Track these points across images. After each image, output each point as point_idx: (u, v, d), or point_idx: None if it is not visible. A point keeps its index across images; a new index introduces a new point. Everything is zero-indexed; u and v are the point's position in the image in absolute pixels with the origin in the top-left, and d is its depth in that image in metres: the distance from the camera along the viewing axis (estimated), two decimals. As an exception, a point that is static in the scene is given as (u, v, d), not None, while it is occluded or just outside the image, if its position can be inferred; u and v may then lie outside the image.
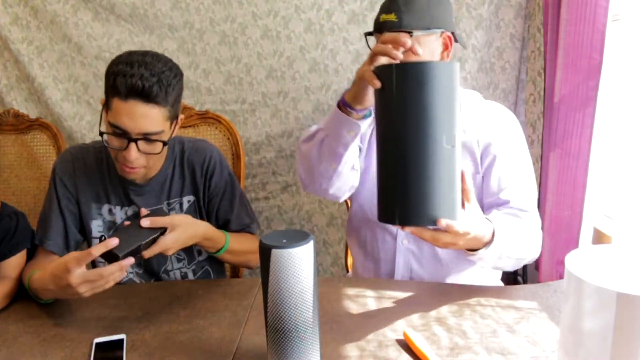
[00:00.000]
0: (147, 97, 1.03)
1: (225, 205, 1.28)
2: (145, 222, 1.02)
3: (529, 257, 1.08)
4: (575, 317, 0.61)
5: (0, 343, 0.96)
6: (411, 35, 1.11)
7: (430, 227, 0.83)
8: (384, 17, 1.14)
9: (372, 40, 1.21)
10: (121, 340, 0.92)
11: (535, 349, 0.84)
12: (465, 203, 0.88)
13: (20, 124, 1.82)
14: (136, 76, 1.02)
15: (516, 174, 1.16)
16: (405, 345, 0.86)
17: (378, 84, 0.82)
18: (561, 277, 1.44)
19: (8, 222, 1.15)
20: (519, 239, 1.04)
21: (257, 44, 1.85)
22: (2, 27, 1.93)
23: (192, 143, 1.29)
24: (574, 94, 1.38)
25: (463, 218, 0.83)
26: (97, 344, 0.91)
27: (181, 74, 1.12)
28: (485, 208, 1.16)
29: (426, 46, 1.14)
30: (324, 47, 1.82)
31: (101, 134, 1.10)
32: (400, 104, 0.78)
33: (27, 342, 0.96)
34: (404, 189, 0.79)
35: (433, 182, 0.78)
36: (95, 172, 1.24)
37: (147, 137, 1.07)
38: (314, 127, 1.15)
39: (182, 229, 1.07)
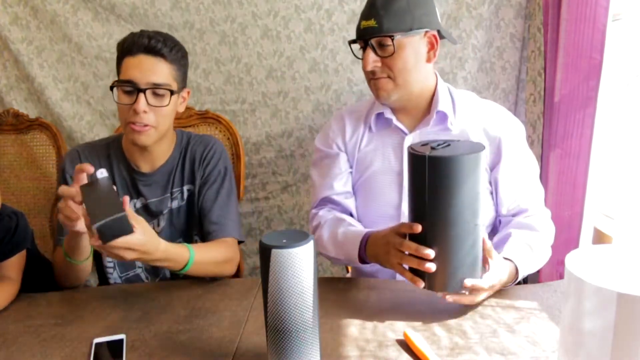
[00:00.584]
0: (152, 50, 1.14)
1: (210, 194, 1.27)
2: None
3: (546, 261, 1.15)
4: (575, 317, 0.61)
5: (0, 343, 0.96)
6: (392, 39, 1.11)
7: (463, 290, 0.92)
8: (364, 23, 1.15)
9: (356, 47, 1.22)
10: (121, 340, 0.92)
11: (535, 349, 0.84)
12: (489, 259, 0.93)
13: (19, 124, 1.82)
14: (144, 36, 1.15)
15: (527, 176, 1.19)
16: (405, 345, 0.86)
17: (421, 284, 0.92)
18: (561, 277, 1.44)
19: (8, 222, 1.15)
20: (537, 257, 1.11)
21: (257, 44, 1.85)
22: (2, 27, 1.93)
23: (199, 137, 1.33)
24: (574, 94, 1.38)
25: (488, 276, 0.93)
26: (97, 344, 0.91)
27: (186, 52, 1.23)
28: (505, 216, 1.19)
29: (410, 47, 1.14)
30: (324, 47, 1.82)
31: (112, 87, 1.17)
32: (432, 192, 0.86)
33: (27, 342, 0.96)
34: (436, 262, 0.89)
35: (459, 256, 0.89)
36: (103, 165, 1.26)
37: (155, 88, 1.14)
38: (329, 246, 1.17)
39: (148, 235, 0.97)
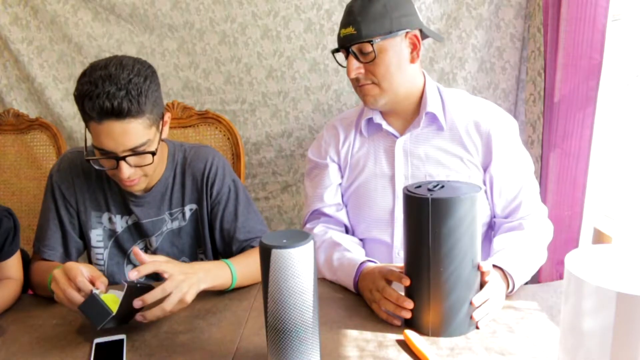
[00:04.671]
0: (119, 114, 0.98)
1: (228, 215, 1.22)
2: (137, 303, 0.91)
3: (543, 261, 1.13)
4: (575, 317, 0.61)
5: (0, 343, 0.96)
6: (372, 44, 1.11)
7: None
8: (343, 31, 1.15)
9: (340, 57, 1.21)
10: (121, 341, 0.92)
11: (535, 349, 0.84)
12: (486, 277, 0.92)
13: (20, 124, 1.82)
14: (102, 96, 0.97)
15: (520, 173, 1.18)
16: (405, 345, 0.86)
17: (398, 323, 0.93)
18: (561, 277, 1.44)
19: (7, 222, 1.14)
20: (533, 261, 1.08)
21: (257, 44, 1.85)
22: (2, 27, 1.93)
23: (194, 150, 1.25)
24: (574, 94, 1.38)
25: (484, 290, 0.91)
26: (97, 344, 0.91)
27: (152, 73, 1.05)
28: (499, 216, 1.19)
29: (392, 50, 1.13)
30: (324, 47, 1.82)
31: (88, 160, 1.08)
32: (435, 234, 0.85)
33: (27, 342, 0.96)
34: (434, 305, 0.88)
35: (463, 293, 0.88)
36: (94, 180, 1.21)
37: (134, 152, 1.04)
38: (325, 270, 1.16)
39: (179, 269, 0.97)
